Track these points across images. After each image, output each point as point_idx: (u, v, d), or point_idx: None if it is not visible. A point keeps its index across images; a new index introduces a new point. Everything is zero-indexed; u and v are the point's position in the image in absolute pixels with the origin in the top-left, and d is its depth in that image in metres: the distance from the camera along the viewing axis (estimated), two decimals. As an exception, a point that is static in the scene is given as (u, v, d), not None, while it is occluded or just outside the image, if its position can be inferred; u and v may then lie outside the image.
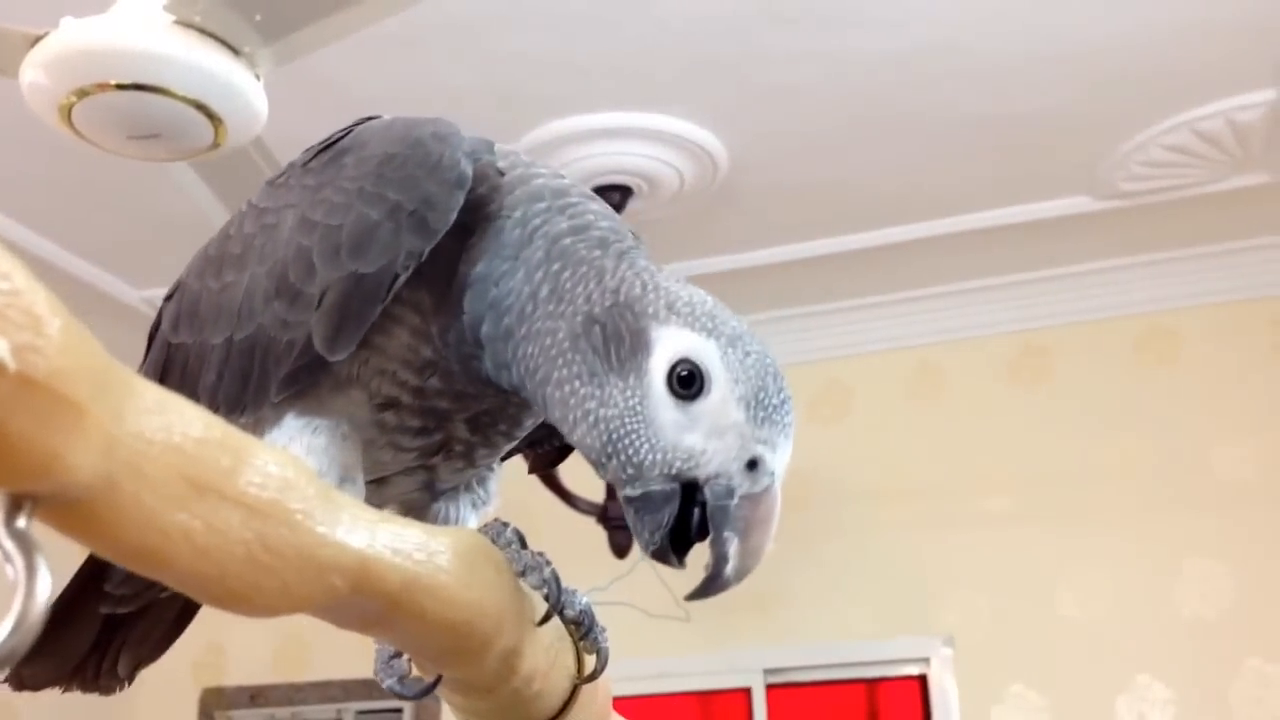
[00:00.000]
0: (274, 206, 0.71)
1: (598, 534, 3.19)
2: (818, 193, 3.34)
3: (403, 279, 0.64)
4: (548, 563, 0.61)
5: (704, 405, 0.60)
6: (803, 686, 3.67)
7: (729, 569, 0.60)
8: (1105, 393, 3.69)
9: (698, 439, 0.60)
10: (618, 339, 0.61)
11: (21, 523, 0.32)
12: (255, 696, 3.99)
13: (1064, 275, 3.73)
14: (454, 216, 0.64)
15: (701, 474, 0.60)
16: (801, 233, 3.51)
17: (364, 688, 3.82)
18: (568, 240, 0.65)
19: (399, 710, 3.81)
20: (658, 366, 0.61)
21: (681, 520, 0.61)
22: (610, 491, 2.95)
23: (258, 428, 0.69)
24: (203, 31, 2.01)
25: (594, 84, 2.89)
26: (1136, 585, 3.50)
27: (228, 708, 4.02)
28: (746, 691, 3.63)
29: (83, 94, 1.98)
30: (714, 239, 3.52)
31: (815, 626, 3.64)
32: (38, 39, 1.96)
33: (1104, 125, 3.10)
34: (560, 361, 0.62)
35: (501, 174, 0.68)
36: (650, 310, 0.62)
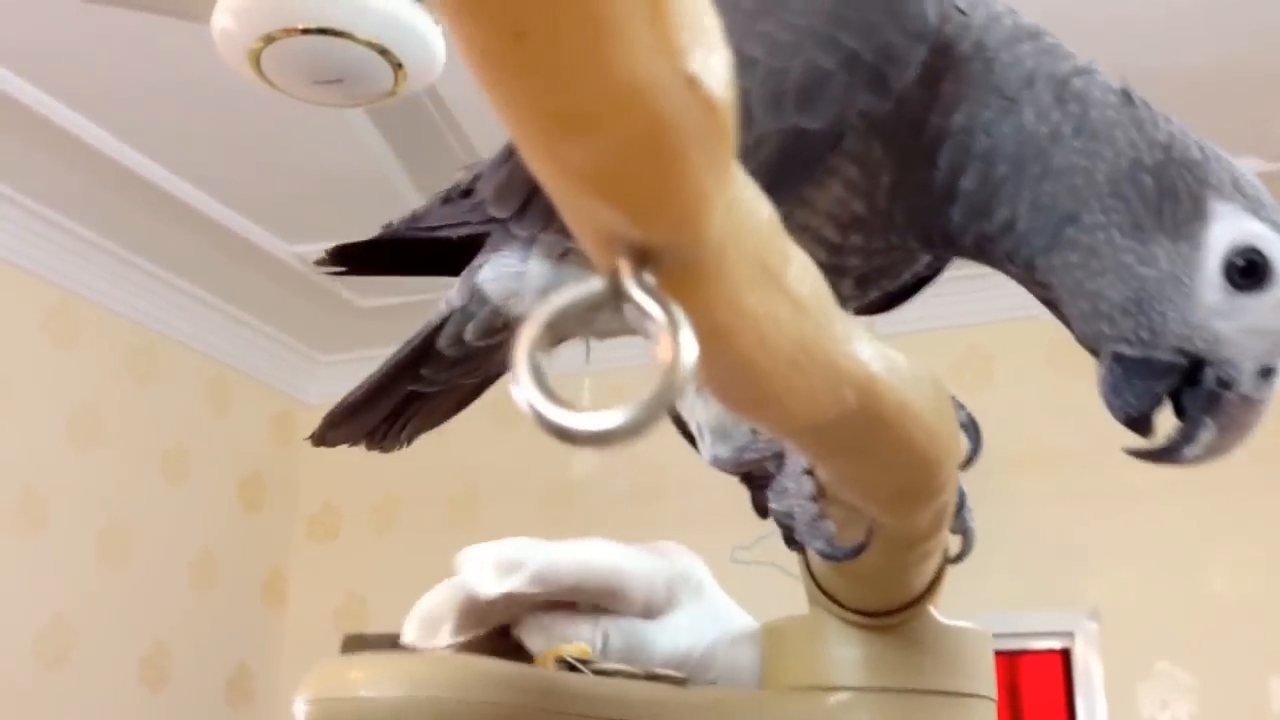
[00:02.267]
0: None
1: (739, 493, 3.16)
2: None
3: (850, 137, 0.59)
4: (961, 405, 0.58)
5: (1254, 301, 0.57)
6: (941, 656, 3.62)
7: (1189, 449, 0.59)
8: (1263, 363, 3.55)
9: (1230, 328, 0.58)
10: (1173, 197, 0.58)
11: (649, 278, 0.30)
12: (395, 643, 4.07)
13: (1224, 239, 3.59)
14: (914, 72, 0.58)
15: (1213, 357, 0.58)
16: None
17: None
18: (1078, 82, 0.61)
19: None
20: (1216, 244, 0.58)
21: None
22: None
23: None
24: (384, -24, 2.03)
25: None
26: (1294, 562, 3.37)
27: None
28: (883, 658, 3.59)
29: (269, 39, 2.02)
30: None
31: (955, 596, 3.52)
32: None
33: (1275, 80, 2.97)
34: (1096, 205, 0.59)
35: (964, 13, 0.61)
36: (1214, 180, 0.58)
